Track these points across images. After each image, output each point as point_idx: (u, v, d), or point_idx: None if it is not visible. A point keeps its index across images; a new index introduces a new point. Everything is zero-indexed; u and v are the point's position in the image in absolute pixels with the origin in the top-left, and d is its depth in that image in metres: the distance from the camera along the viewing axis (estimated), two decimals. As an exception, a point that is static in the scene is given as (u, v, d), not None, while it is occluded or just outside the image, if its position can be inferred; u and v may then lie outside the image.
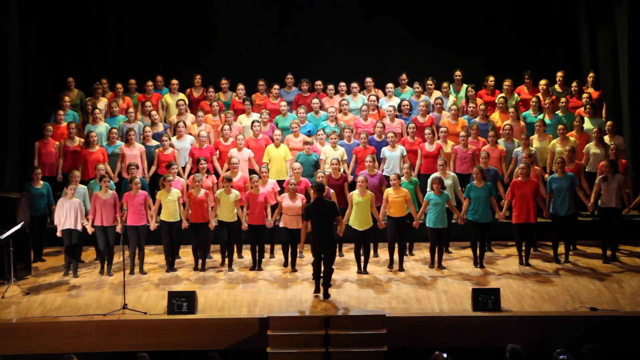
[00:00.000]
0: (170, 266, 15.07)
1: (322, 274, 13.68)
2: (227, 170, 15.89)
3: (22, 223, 14.52)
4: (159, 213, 15.09)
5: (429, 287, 14.15)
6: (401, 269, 14.93)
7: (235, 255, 15.34)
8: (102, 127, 16.78)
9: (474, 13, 19.12)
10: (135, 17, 19.13)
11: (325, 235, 13.58)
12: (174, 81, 17.74)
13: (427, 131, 16.30)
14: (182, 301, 13.13)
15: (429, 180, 15.04)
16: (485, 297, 13.09)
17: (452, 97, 17.58)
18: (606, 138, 16.27)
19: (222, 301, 13.71)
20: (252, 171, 15.98)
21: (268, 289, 14.14)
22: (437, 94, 17.67)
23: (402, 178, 15.04)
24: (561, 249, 15.33)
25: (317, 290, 13.70)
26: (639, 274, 14.60)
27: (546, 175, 15.82)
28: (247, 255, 15.54)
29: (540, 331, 12.85)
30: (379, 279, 14.53)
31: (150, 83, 17.79)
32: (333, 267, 13.75)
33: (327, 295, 13.62)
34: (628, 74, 17.10)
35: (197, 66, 18.39)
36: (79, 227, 14.78)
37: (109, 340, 12.96)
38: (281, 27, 19.28)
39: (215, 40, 19.14)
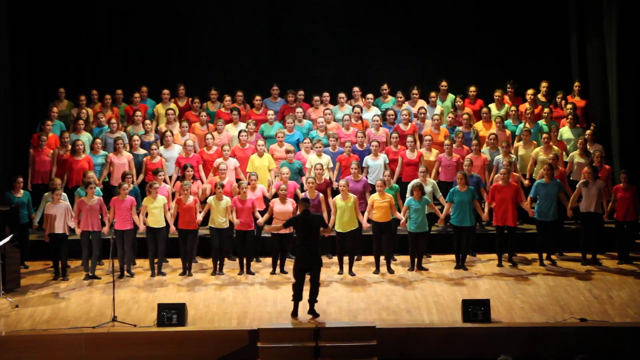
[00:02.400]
0: (156, 270, 15.25)
1: (303, 296, 13.42)
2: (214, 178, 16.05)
3: (12, 236, 14.48)
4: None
5: (419, 298, 14.15)
6: (390, 271, 15.23)
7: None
8: (84, 136, 16.86)
9: (463, 23, 19.20)
10: (125, 28, 19.21)
11: (311, 248, 13.42)
12: (165, 91, 17.85)
13: (409, 139, 16.51)
14: (172, 313, 13.10)
15: (409, 187, 15.34)
16: (475, 308, 13.10)
17: (438, 107, 17.67)
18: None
19: (212, 313, 13.69)
20: (238, 180, 16.05)
21: (258, 301, 14.12)
22: (421, 103, 17.78)
23: None
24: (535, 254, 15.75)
25: (295, 314, 13.38)
26: (628, 285, 14.64)
27: (526, 182, 16.08)
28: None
29: (530, 342, 12.84)
30: (369, 290, 14.53)
31: (137, 94, 17.86)
32: (319, 282, 13.57)
33: (315, 314, 13.38)
34: (616, 82, 17.20)
35: (184, 77, 18.41)
36: (66, 231, 15.02)
37: (99, 353, 12.89)
38: (270, 38, 19.33)
39: (203, 51, 19.22)
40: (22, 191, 15.57)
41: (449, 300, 13.99)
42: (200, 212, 15.26)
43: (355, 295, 14.33)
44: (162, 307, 13.20)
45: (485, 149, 16.54)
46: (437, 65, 18.96)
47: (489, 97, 17.94)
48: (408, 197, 15.23)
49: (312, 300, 13.43)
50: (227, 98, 17.74)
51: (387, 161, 16.30)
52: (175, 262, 15.69)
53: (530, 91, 17.60)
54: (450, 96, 17.90)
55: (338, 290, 14.53)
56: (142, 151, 16.63)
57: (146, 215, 15.16)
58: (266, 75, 18.86)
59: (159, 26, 19.12)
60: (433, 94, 17.80)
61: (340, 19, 19.34)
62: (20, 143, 17.38)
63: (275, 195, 15.39)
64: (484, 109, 17.35)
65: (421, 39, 19.22)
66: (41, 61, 18.39)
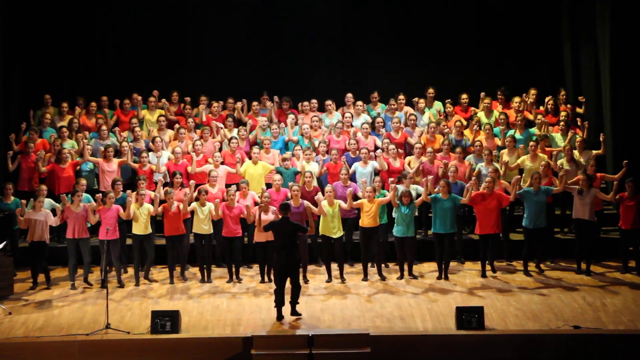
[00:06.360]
0: (140, 279, 15.26)
1: (285, 300, 13.61)
2: (200, 184, 15.83)
3: (5, 243, 14.45)
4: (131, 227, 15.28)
5: (413, 305, 14.15)
6: (382, 277, 15.30)
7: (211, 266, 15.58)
8: (68, 143, 16.83)
9: (457, 30, 19.32)
10: (120, 35, 19.39)
11: (289, 253, 13.53)
12: (152, 98, 17.87)
13: (394, 147, 16.40)
14: (166, 320, 13.09)
15: (399, 194, 15.11)
16: (469, 316, 13.10)
17: (427, 114, 17.65)
18: (575, 153, 16.38)
19: (205, 320, 13.67)
20: (228, 186, 15.93)
21: (252, 308, 14.11)
22: (407, 109, 17.79)
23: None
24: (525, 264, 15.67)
25: (280, 318, 13.54)
26: (621, 292, 14.66)
27: (510, 197, 15.50)
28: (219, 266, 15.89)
29: (524, 349, 12.86)
30: (363, 298, 14.53)
31: (127, 101, 17.89)
32: (300, 284, 13.75)
33: (297, 314, 13.61)
34: (610, 89, 17.29)
35: (177, 85, 18.45)
36: (46, 239, 14.97)
37: (92, 360, 12.90)
38: (264, 47, 19.51)
39: (198, 58, 19.40)
40: (12, 198, 15.52)
41: (443, 307, 13.99)
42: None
43: (349, 302, 14.32)
44: (156, 315, 13.18)
45: (470, 156, 16.49)
46: (430, 72, 19.11)
47: (477, 105, 17.97)
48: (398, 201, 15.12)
49: (294, 302, 13.63)
50: (215, 104, 17.80)
51: (377, 168, 16.27)
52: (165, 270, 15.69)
53: (516, 99, 17.64)
54: (437, 103, 17.91)
55: (331, 298, 14.53)
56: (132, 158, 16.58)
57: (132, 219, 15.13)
58: (261, 82, 18.93)
59: (154, 31, 19.28)
60: (422, 100, 17.81)
61: (334, 26, 19.50)
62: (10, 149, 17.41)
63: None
64: (474, 119, 17.32)
65: (415, 45, 19.38)
66: (34, 67, 18.43)
